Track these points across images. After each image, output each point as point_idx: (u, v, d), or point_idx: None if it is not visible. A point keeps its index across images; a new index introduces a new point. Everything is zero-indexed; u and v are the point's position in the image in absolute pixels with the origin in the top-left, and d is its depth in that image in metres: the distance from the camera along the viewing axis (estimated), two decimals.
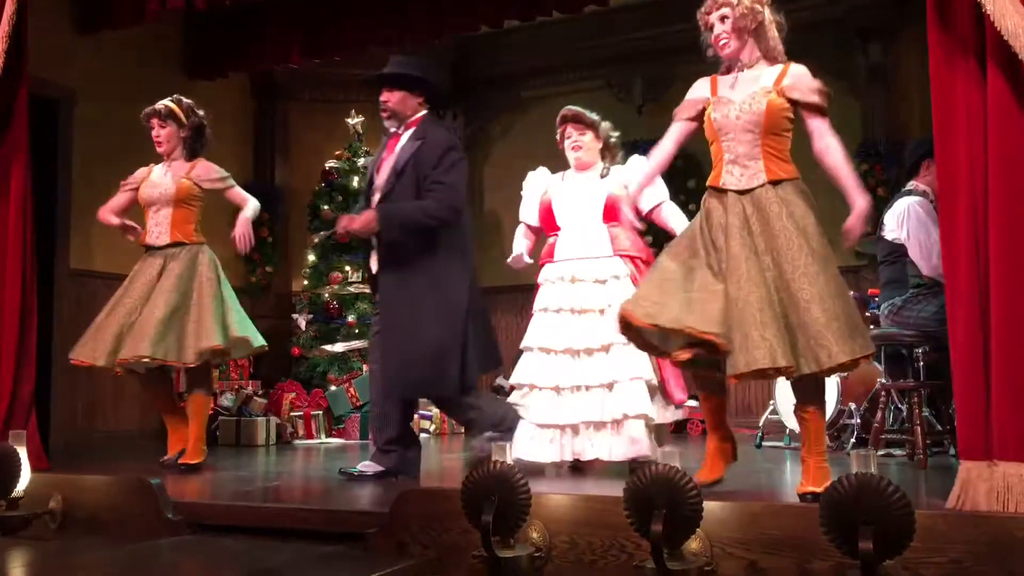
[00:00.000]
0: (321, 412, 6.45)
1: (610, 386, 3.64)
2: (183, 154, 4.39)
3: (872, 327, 4.83)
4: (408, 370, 3.64)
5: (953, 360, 2.61)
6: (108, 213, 4.43)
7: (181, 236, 4.27)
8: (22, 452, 3.14)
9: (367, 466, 3.77)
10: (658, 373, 3.68)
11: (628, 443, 3.58)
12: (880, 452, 4.45)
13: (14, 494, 3.11)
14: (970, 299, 2.59)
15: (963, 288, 2.60)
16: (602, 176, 3.95)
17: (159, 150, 4.37)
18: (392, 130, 3.97)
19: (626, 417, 3.58)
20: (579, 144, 3.97)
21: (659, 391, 3.70)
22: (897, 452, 4.54)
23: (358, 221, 3.71)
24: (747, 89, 2.99)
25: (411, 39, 6.04)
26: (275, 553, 2.67)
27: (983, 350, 2.54)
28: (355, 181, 6.87)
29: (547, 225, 3.99)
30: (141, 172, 4.45)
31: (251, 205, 4.38)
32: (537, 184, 4.11)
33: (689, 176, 7.26)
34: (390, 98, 3.94)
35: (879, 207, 5.18)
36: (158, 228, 4.29)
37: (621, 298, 3.53)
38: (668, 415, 3.77)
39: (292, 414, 6.18)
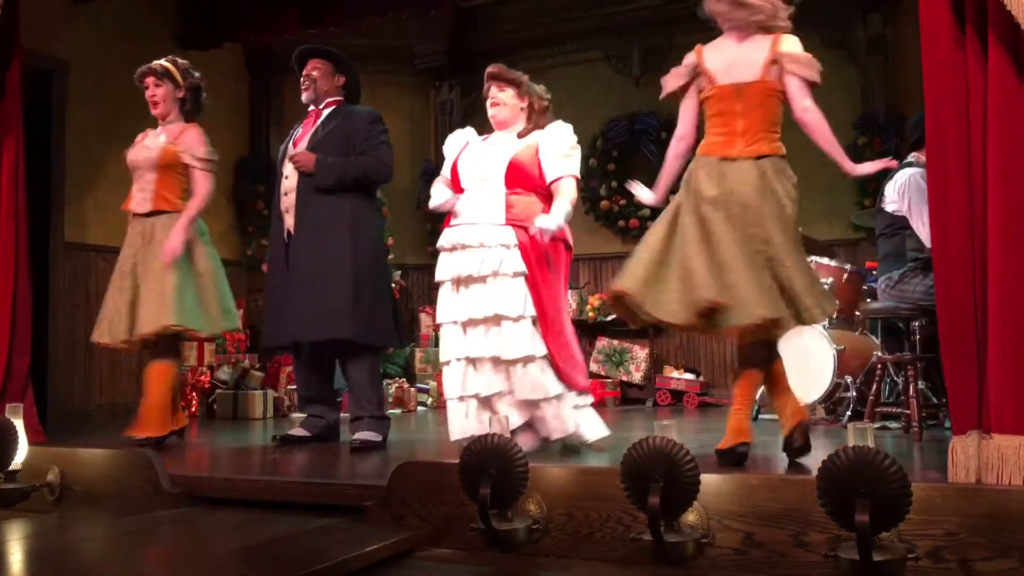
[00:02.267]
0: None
1: (496, 361, 3.42)
2: (179, 116, 4.22)
3: (869, 300, 4.83)
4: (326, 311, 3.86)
5: (942, 333, 2.61)
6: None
7: (165, 204, 4.05)
8: (19, 425, 3.14)
9: (299, 431, 4.07)
10: (550, 356, 3.43)
11: (553, 423, 3.41)
12: (876, 425, 4.46)
13: (12, 467, 3.11)
14: (964, 273, 2.58)
15: (955, 261, 2.59)
16: (519, 136, 3.65)
17: (154, 112, 4.19)
18: (310, 108, 4.14)
19: (527, 401, 3.39)
20: (496, 100, 3.69)
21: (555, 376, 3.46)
22: (893, 425, 4.56)
23: (304, 155, 3.95)
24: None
25: (408, 8, 6.00)
26: (273, 525, 2.67)
27: (977, 324, 2.54)
28: None
29: (455, 186, 3.71)
30: (138, 138, 4.28)
31: (198, 199, 4.09)
32: (455, 143, 3.81)
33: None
34: (312, 70, 4.11)
35: (879, 179, 5.17)
36: (141, 194, 4.09)
37: (508, 268, 3.41)
38: (571, 401, 3.50)
39: (289, 387, 6.19)
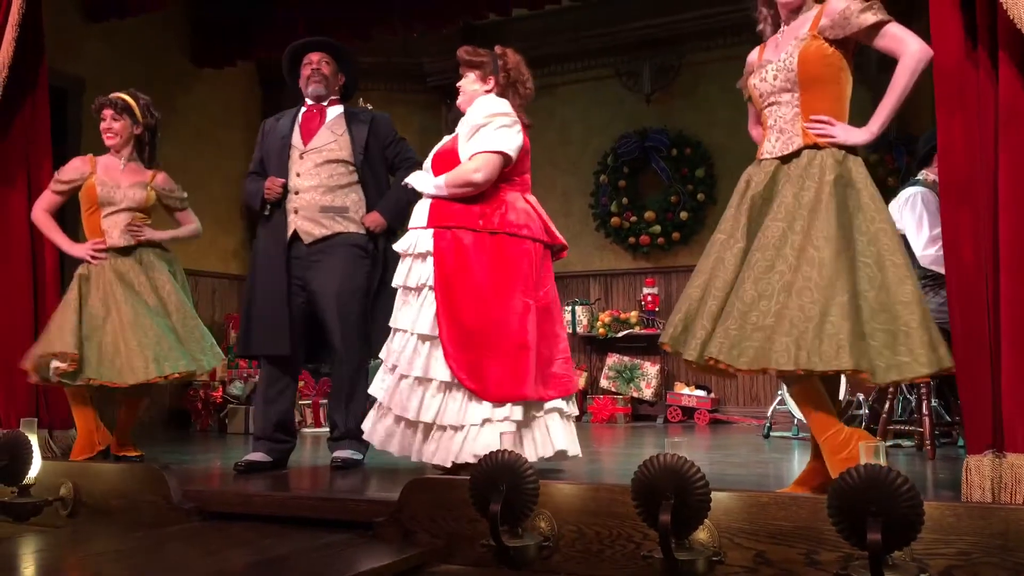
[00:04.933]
0: (329, 400, 6.47)
1: (422, 382, 3.25)
2: (133, 154, 4.16)
3: None
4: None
5: (956, 352, 2.60)
6: (46, 216, 4.08)
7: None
8: (33, 440, 3.16)
9: (259, 456, 3.77)
10: (452, 372, 3.19)
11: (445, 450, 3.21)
12: (888, 443, 4.45)
13: (25, 481, 3.13)
14: (977, 290, 2.58)
15: (969, 278, 2.59)
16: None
17: (108, 143, 4.12)
18: (311, 101, 4.00)
19: (441, 426, 3.23)
20: (458, 87, 3.47)
21: (464, 392, 3.21)
22: (905, 443, 4.55)
23: (377, 221, 3.82)
24: (785, 43, 2.70)
25: (417, 26, 6.05)
26: (283, 541, 2.68)
27: (991, 343, 2.53)
28: None
29: None
30: (78, 167, 4.12)
31: (191, 228, 4.29)
32: None
33: (696, 165, 7.27)
34: (321, 65, 3.99)
35: (888, 197, 5.18)
36: (116, 231, 4.03)
37: (414, 279, 3.23)
38: (476, 415, 3.20)
39: (300, 402, 6.20)
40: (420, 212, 3.35)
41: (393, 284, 3.41)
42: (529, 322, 3.27)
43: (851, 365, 2.39)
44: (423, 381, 3.25)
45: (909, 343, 2.42)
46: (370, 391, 3.49)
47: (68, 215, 4.52)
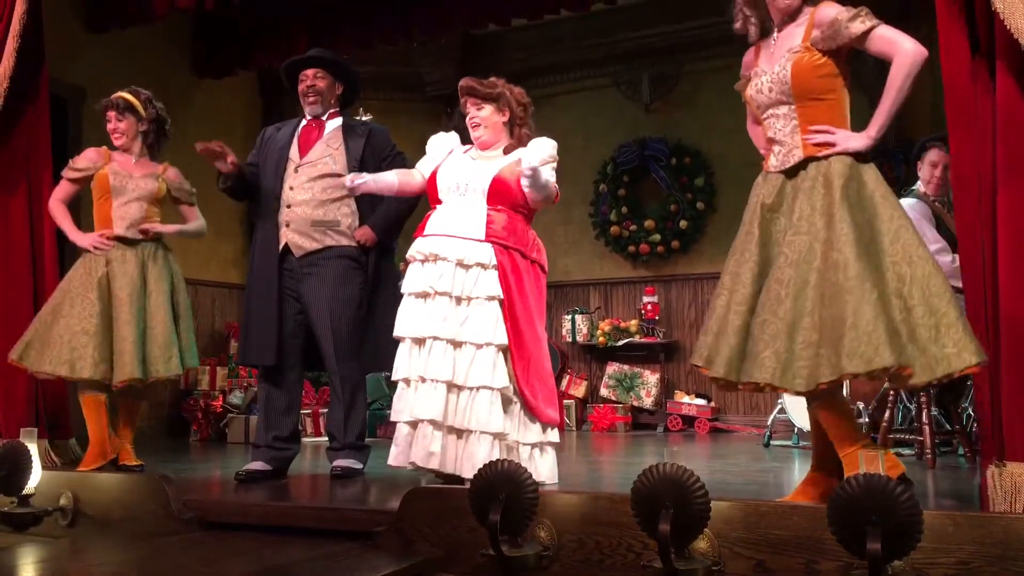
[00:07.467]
0: (327, 411, 6.46)
1: (456, 388, 3.22)
2: (143, 149, 4.17)
3: None
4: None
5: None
6: (60, 206, 4.11)
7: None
8: (33, 449, 3.16)
9: (259, 465, 3.80)
10: (517, 385, 3.23)
11: (469, 460, 3.13)
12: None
13: (25, 491, 3.13)
14: (979, 295, 2.60)
15: (979, 288, 2.60)
16: (505, 152, 3.44)
17: (117, 143, 4.12)
18: (310, 117, 4.05)
19: (469, 432, 3.18)
20: (476, 121, 3.45)
21: (522, 408, 3.27)
22: (905, 452, 4.54)
23: (367, 235, 3.87)
24: (779, 54, 2.68)
25: (418, 35, 6.07)
26: (284, 550, 2.68)
27: (992, 349, 2.54)
28: None
29: (431, 195, 3.50)
30: (92, 156, 4.11)
31: (197, 225, 4.28)
32: (439, 147, 3.59)
33: (696, 174, 7.29)
34: (316, 81, 4.02)
35: None
36: (125, 221, 4.03)
37: (482, 290, 3.23)
38: (531, 435, 3.29)
39: (300, 412, 6.20)
40: (469, 223, 3.31)
41: (431, 288, 3.28)
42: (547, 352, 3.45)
43: (892, 361, 2.34)
44: (485, 391, 3.20)
45: (953, 334, 2.37)
46: (420, 414, 3.25)
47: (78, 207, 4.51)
